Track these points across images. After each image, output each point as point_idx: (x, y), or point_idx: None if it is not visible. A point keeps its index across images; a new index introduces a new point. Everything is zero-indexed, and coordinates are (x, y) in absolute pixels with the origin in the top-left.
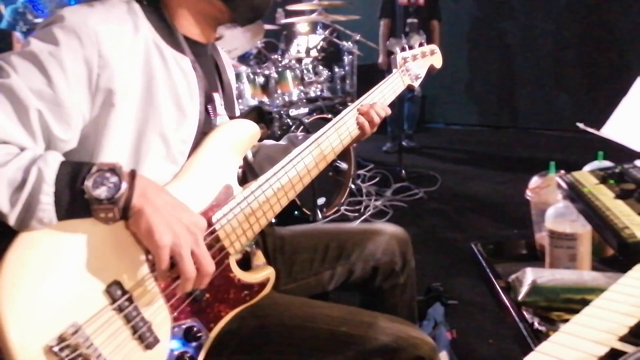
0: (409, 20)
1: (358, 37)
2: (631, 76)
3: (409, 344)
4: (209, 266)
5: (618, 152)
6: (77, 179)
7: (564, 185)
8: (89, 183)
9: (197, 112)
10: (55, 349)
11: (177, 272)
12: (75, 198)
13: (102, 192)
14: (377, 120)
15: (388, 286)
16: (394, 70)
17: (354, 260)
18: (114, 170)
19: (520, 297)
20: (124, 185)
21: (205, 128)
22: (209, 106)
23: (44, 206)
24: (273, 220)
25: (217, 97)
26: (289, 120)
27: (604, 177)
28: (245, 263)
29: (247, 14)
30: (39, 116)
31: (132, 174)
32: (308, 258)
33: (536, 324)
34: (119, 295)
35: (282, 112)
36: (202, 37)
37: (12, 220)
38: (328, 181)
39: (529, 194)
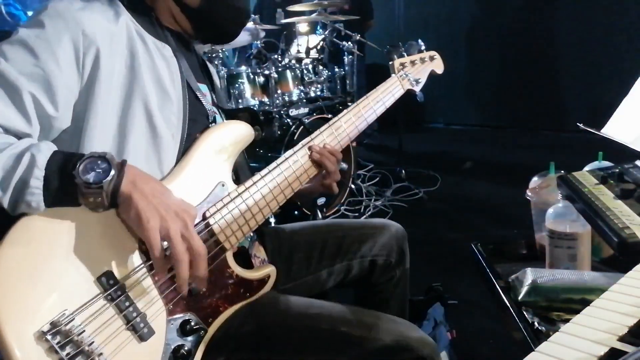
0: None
1: (358, 37)
2: (632, 76)
3: (410, 345)
4: (200, 248)
5: (618, 152)
6: (68, 165)
7: (564, 185)
8: (80, 168)
9: (179, 95)
10: (48, 336)
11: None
12: (64, 183)
13: (91, 177)
14: (331, 167)
15: (383, 280)
16: (392, 76)
17: (352, 256)
18: (104, 157)
19: (520, 297)
20: (113, 171)
21: (193, 114)
22: (197, 93)
23: (33, 190)
24: (272, 220)
25: (205, 89)
26: (289, 120)
27: (604, 177)
28: (246, 261)
29: (210, 36)
30: (33, 98)
31: (123, 162)
32: (305, 256)
33: (536, 324)
34: (110, 285)
35: (282, 112)
36: (184, 32)
37: (5, 204)
38: None
39: (529, 194)
